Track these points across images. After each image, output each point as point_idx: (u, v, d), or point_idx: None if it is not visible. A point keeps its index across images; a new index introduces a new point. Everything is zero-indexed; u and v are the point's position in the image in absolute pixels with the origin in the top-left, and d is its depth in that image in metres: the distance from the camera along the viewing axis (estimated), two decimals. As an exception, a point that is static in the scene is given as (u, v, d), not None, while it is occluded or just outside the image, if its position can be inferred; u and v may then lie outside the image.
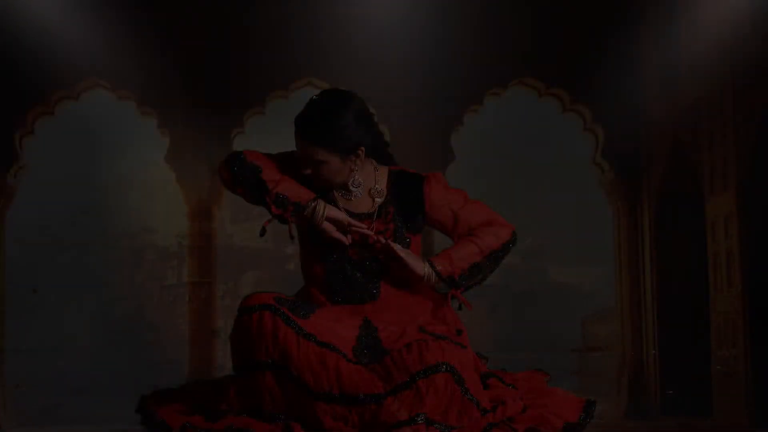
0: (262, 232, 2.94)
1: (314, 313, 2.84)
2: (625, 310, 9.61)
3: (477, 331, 3.08)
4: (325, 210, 2.88)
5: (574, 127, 9.78)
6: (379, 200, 2.99)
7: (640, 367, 9.44)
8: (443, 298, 2.97)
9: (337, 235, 2.89)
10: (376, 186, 2.99)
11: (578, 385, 11.85)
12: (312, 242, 2.96)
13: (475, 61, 9.22)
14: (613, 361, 10.25)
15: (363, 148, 2.96)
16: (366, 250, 2.93)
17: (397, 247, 2.89)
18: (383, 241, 2.90)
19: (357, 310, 2.92)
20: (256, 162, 2.90)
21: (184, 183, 9.51)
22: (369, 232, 2.91)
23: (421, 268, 2.90)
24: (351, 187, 2.97)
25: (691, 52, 8.72)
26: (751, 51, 8.22)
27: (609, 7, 9.12)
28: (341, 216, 2.89)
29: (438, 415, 2.66)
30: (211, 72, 9.24)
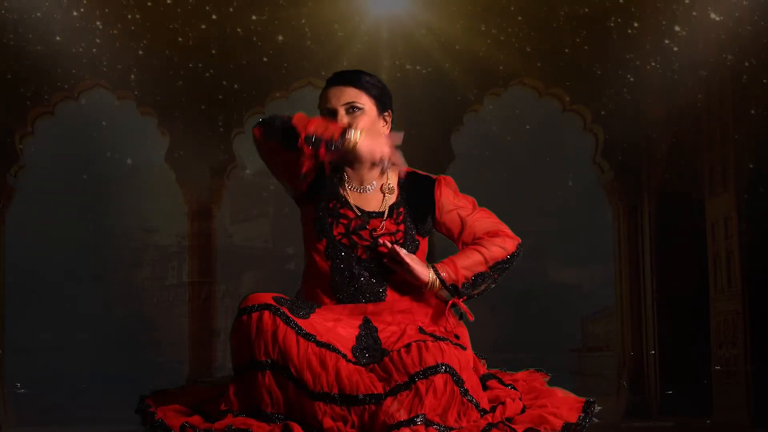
0: (304, 180, 2.89)
1: (314, 313, 2.84)
2: (625, 310, 9.62)
3: (477, 331, 3.06)
4: (360, 136, 2.82)
5: (574, 127, 9.79)
6: (390, 196, 2.97)
7: (640, 367, 9.44)
8: (446, 303, 2.97)
9: (380, 153, 2.82)
10: (389, 182, 2.98)
11: (578, 385, 11.86)
12: (319, 239, 2.94)
13: (475, 61, 9.23)
14: (613, 361, 10.26)
15: (391, 112, 3.00)
16: (374, 251, 2.92)
17: (403, 252, 2.87)
18: (389, 245, 2.88)
19: (357, 310, 2.92)
20: (286, 116, 2.89)
21: (184, 183, 9.52)
22: (388, 243, 2.89)
23: (426, 274, 2.87)
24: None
25: (691, 52, 8.72)
26: (751, 51, 8.22)
27: (609, 8, 9.12)
28: (381, 145, 2.84)
29: (437, 416, 2.65)
30: (211, 72, 9.24)
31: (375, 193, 2.98)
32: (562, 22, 9.18)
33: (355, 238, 2.93)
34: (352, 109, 2.92)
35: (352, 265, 2.92)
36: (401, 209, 2.96)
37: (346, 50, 9.04)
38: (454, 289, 2.88)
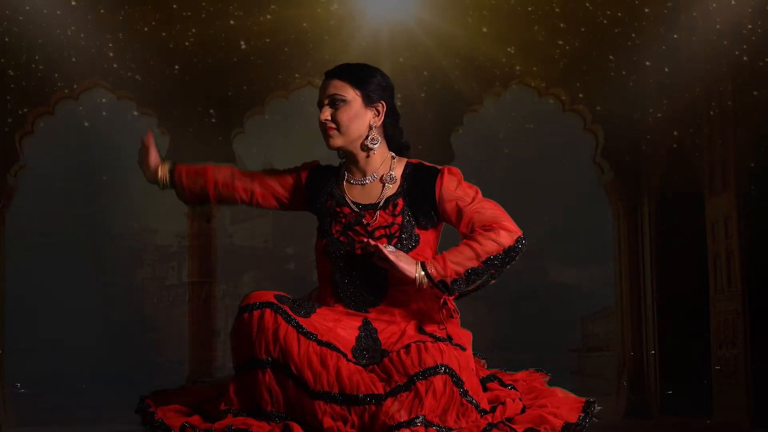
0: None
1: (315, 312, 2.83)
2: (625, 310, 9.62)
3: (476, 330, 3.05)
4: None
5: (574, 127, 9.79)
6: (390, 186, 2.94)
7: (640, 367, 9.44)
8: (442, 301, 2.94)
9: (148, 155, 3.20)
10: (390, 173, 2.95)
11: (578, 385, 11.86)
12: (321, 239, 2.95)
13: (475, 61, 9.23)
14: (613, 361, 10.27)
15: (384, 104, 2.95)
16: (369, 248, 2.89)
17: (388, 249, 2.80)
18: (372, 242, 2.82)
19: (358, 312, 2.90)
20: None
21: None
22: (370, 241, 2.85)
23: (413, 271, 2.79)
24: (370, 145, 2.93)
25: (691, 52, 8.72)
26: (751, 51, 8.22)
27: (609, 8, 9.12)
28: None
29: (436, 417, 2.64)
30: (211, 72, 9.24)
31: (375, 183, 2.95)
32: (562, 23, 9.18)
33: (351, 234, 2.91)
34: (334, 101, 2.91)
35: (351, 262, 2.90)
36: (399, 200, 2.91)
37: (346, 50, 9.03)
38: (443, 285, 2.79)
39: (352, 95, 2.92)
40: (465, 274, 2.79)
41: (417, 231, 2.90)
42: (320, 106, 2.95)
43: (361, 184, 2.96)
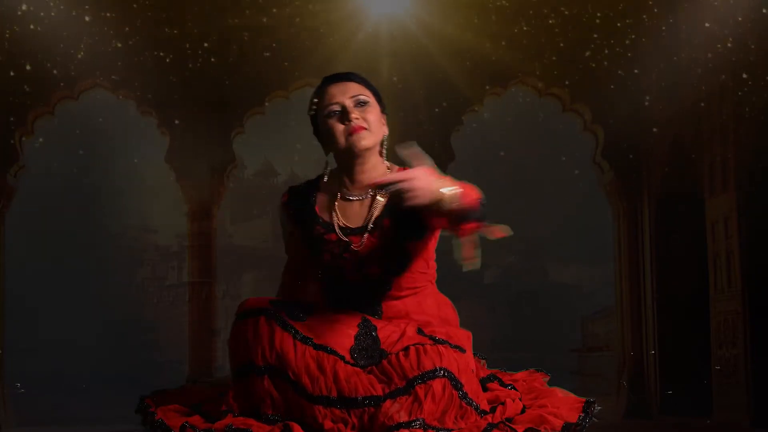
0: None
1: (311, 315, 2.82)
2: (625, 309, 9.62)
3: (476, 331, 3.05)
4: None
5: (574, 127, 9.80)
6: (380, 201, 2.87)
7: (640, 367, 9.45)
8: (444, 305, 2.95)
9: None
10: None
11: (578, 385, 11.87)
12: (311, 265, 2.93)
13: (475, 61, 9.23)
14: (613, 361, 10.27)
15: (386, 116, 2.91)
16: (364, 274, 2.86)
17: (390, 176, 2.54)
18: (375, 183, 2.66)
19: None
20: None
21: (184, 183, 9.52)
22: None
23: (436, 190, 2.48)
24: (384, 152, 2.88)
25: (691, 52, 8.73)
26: (751, 51, 8.23)
27: (609, 8, 9.12)
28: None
29: (435, 420, 2.64)
30: (211, 72, 9.24)
31: (367, 201, 2.88)
32: (562, 23, 9.18)
33: (341, 262, 2.86)
34: (360, 102, 2.82)
35: (344, 288, 2.88)
36: (384, 221, 2.83)
37: (346, 50, 9.04)
38: (472, 209, 2.52)
39: (372, 99, 2.86)
40: (482, 201, 2.59)
41: (408, 245, 2.85)
42: (338, 109, 2.82)
43: (359, 200, 2.88)
